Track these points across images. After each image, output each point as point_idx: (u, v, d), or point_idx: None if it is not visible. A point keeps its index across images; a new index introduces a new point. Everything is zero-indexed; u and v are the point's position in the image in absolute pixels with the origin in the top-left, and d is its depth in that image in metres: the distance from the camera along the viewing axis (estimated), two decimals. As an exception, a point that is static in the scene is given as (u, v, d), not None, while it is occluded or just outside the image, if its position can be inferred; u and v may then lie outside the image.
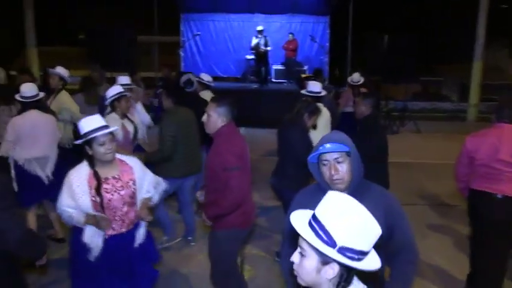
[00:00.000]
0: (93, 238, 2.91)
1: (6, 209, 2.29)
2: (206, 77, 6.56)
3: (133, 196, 3.01)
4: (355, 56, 13.87)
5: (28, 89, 4.56)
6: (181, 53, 14.98)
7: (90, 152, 2.85)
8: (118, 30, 12.19)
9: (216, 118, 3.22)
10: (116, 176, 2.94)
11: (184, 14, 14.99)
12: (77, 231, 2.97)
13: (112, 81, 6.02)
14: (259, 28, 12.80)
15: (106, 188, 2.87)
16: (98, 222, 2.83)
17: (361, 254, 1.41)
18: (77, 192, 2.84)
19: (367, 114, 4.46)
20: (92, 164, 2.88)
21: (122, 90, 4.72)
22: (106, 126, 2.88)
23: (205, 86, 6.39)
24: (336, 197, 1.46)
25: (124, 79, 5.61)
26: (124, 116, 4.77)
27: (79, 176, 2.87)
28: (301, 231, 1.44)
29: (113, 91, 4.69)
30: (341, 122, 6.78)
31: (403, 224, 2.29)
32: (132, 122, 4.86)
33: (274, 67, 14.07)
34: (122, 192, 2.93)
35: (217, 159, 3.18)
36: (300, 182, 3.59)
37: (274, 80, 14.00)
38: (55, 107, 5.42)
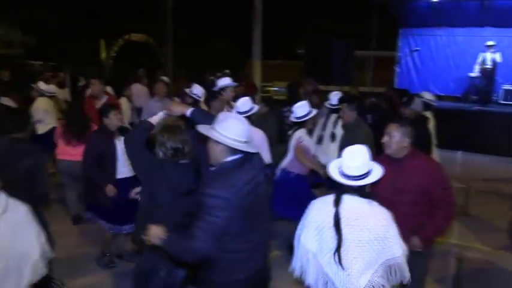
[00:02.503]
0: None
1: None
2: (428, 96, 6.59)
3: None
4: None
5: (242, 105, 4.82)
6: (397, 69, 14.47)
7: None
8: (335, 44, 12.46)
9: (400, 138, 3.23)
10: None
11: (404, 29, 14.43)
12: None
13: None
14: (490, 43, 11.53)
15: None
16: None
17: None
18: (320, 231, 2.42)
19: None
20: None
21: (311, 109, 4.90)
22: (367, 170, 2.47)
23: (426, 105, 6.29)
24: None
25: (335, 99, 5.84)
26: (309, 131, 5.06)
27: (327, 210, 2.41)
28: None
29: (304, 111, 4.86)
30: None
31: None
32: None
33: (504, 87, 12.37)
34: None
35: (430, 179, 3.19)
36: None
37: (501, 102, 12.32)
38: None
